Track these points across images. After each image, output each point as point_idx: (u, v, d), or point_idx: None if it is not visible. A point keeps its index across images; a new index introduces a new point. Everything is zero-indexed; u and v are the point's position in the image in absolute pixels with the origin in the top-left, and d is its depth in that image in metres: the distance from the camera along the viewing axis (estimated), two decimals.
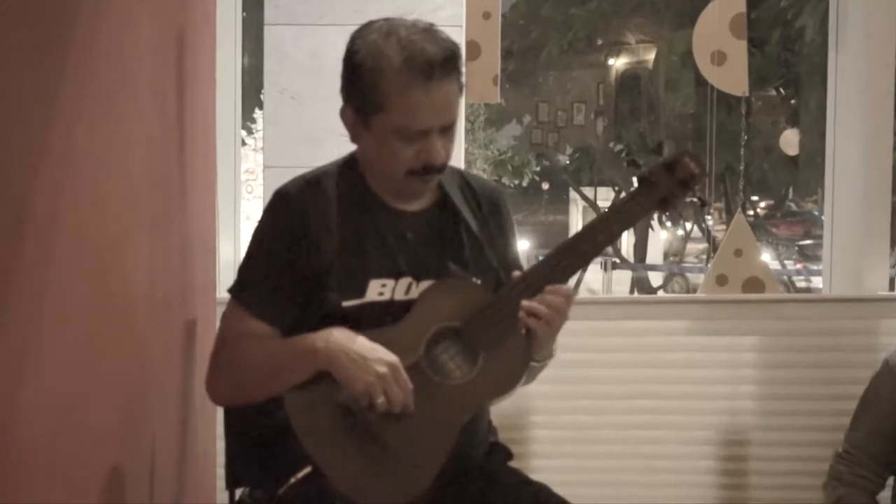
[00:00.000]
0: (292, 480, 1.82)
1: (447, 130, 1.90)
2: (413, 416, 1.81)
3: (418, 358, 1.84)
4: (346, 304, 1.89)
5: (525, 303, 1.85)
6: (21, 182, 1.46)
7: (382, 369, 1.79)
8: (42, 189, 1.53)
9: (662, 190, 1.89)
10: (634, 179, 1.92)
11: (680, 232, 16.83)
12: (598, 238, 1.89)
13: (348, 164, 2.00)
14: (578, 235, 1.91)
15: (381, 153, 1.90)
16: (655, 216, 2.09)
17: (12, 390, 1.44)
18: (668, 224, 16.30)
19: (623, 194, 15.35)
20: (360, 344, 1.82)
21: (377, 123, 1.87)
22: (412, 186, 1.94)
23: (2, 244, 1.40)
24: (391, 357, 1.81)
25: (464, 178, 2.08)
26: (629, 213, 1.91)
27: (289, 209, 1.94)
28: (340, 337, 1.82)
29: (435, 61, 1.82)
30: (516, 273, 1.93)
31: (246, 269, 1.96)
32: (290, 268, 1.90)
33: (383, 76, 1.83)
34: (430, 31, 1.88)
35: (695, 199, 1.95)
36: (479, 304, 1.88)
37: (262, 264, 1.94)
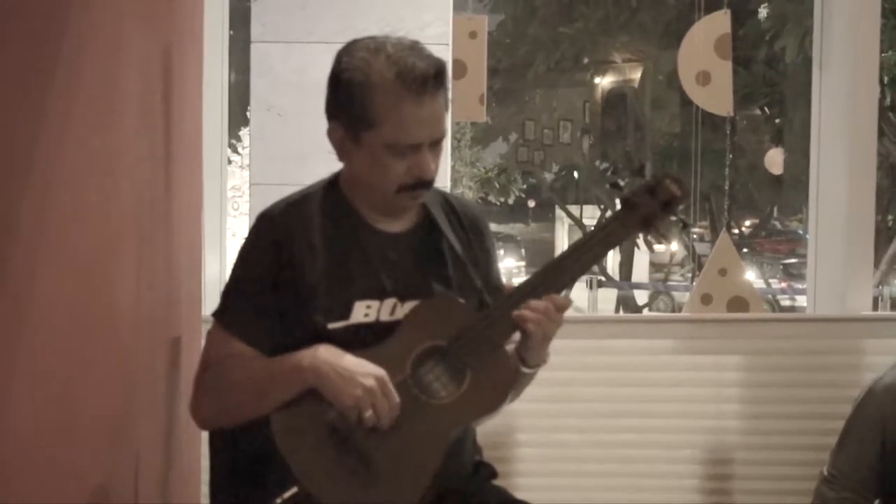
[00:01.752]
0: (278, 501, 1.81)
1: (436, 145, 1.91)
2: (400, 435, 1.81)
3: (404, 377, 1.85)
4: (331, 325, 1.89)
5: (516, 312, 1.86)
6: (6, 198, 1.46)
7: (370, 383, 1.79)
8: (28, 205, 1.53)
9: (645, 211, 1.91)
10: (618, 201, 1.94)
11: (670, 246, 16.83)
12: (582, 258, 1.91)
13: (331, 185, 2.01)
14: (563, 256, 1.93)
15: (373, 170, 1.90)
16: (640, 237, 2.10)
17: None
18: (657, 246, 16.32)
19: (608, 212, 15.43)
20: (347, 359, 1.82)
21: (368, 139, 1.88)
22: (402, 202, 1.94)
23: None
24: (379, 371, 1.81)
25: (446, 199, 2.09)
26: (613, 235, 1.93)
27: (272, 232, 1.94)
28: (327, 353, 1.83)
29: (427, 75, 1.84)
30: (508, 289, 1.94)
31: (230, 291, 1.96)
32: (273, 290, 1.90)
33: (375, 91, 1.85)
34: (416, 47, 1.90)
35: (678, 218, 1.97)
36: (465, 323, 1.89)
37: (246, 287, 1.94)
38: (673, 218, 1.94)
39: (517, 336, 1.92)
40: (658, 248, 15.73)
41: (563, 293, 1.92)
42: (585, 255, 1.91)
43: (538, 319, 1.86)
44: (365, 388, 1.79)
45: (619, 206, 1.94)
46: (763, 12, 11.04)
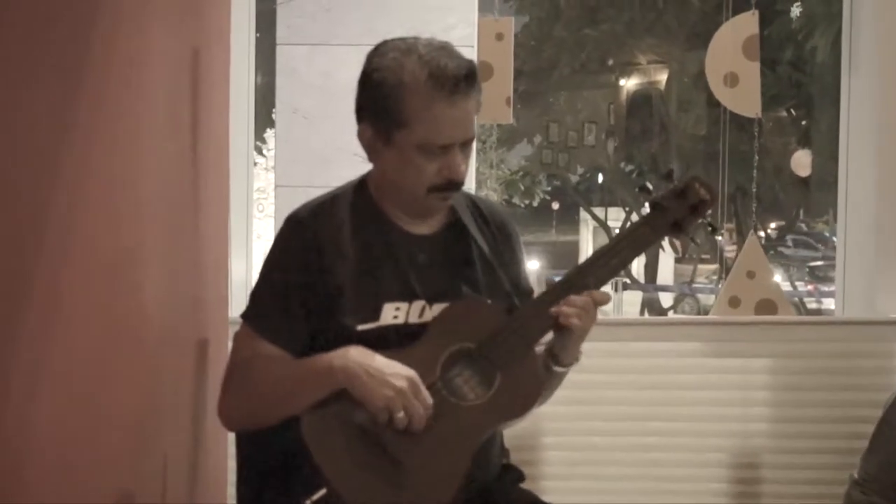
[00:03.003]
0: (307, 502, 1.81)
1: (466, 146, 1.91)
2: (429, 438, 1.81)
3: (434, 380, 1.84)
4: (360, 327, 1.89)
5: (555, 309, 1.86)
6: (36, 200, 1.46)
7: (402, 384, 1.79)
8: (57, 207, 1.54)
9: (674, 215, 1.92)
10: (647, 204, 1.94)
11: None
12: (611, 262, 1.91)
13: (359, 188, 2.01)
14: (592, 259, 1.93)
15: (404, 170, 1.90)
16: (666, 240, 2.11)
17: (24, 411, 1.44)
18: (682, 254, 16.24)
19: (633, 214, 15.36)
20: (379, 360, 1.82)
21: (400, 140, 1.87)
22: (432, 204, 1.94)
23: (16, 264, 1.40)
24: (410, 372, 1.81)
25: (473, 201, 2.09)
26: (642, 238, 1.93)
27: (300, 234, 1.94)
28: (358, 354, 1.82)
29: (459, 76, 1.84)
30: (538, 292, 1.94)
31: (258, 293, 1.96)
32: (302, 292, 1.90)
33: (407, 91, 1.84)
34: (446, 47, 1.90)
35: (706, 222, 1.96)
36: (494, 326, 1.88)
37: (275, 289, 1.94)
38: (701, 221, 1.94)
39: (545, 339, 1.92)
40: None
41: None
42: (614, 259, 1.91)
43: (579, 314, 1.86)
44: (396, 389, 1.78)
45: (647, 210, 1.94)
46: (796, 11, 10.99)
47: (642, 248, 1.94)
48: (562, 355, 1.92)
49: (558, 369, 1.93)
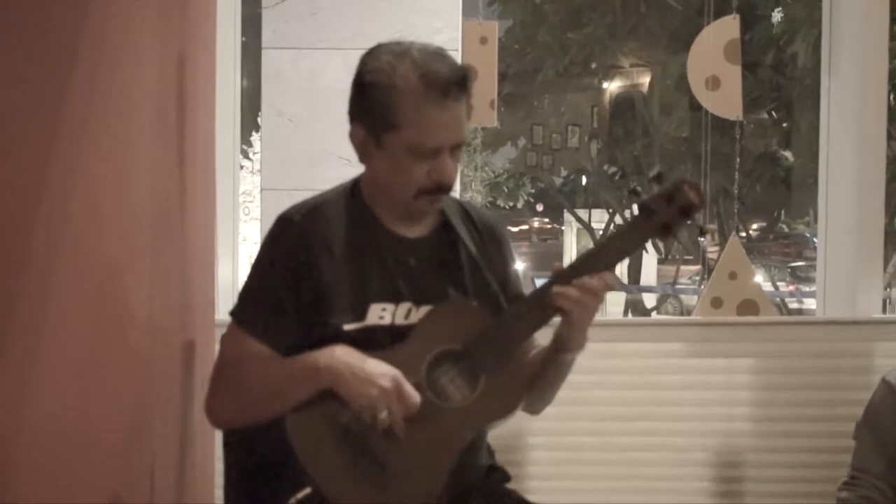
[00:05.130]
0: (292, 501, 1.83)
1: (456, 150, 1.92)
2: (414, 438, 1.82)
3: (419, 380, 1.85)
4: (346, 327, 1.91)
5: (557, 287, 1.86)
6: (24, 203, 1.47)
7: (386, 383, 1.80)
8: (45, 210, 1.54)
9: (663, 218, 1.89)
10: (635, 207, 1.93)
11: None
12: (598, 264, 1.90)
13: (350, 190, 2.02)
14: (578, 262, 1.92)
15: (394, 172, 1.92)
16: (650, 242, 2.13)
17: (13, 413, 1.44)
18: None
19: (617, 216, 15.34)
20: (364, 360, 1.83)
21: (390, 142, 1.89)
22: (421, 207, 1.96)
23: (4, 266, 1.41)
24: (395, 372, 1.82)
25: (462, 206, 2.11)
26: (630, 241, 1.92)
27: (291, 234, 1.95)
28: (343, 354, 1.84)
29: (451, 80, 1.86)
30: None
31: (247, 292, 1.97)
32: (291, 292, 1.91)
33: (399, 94, 1.86)
34: (440, 52, 1.92)
35: (696, 224, 1.97)
36: (480, 328, 1.90)
37: (264, 288, 1.95)
38: (690, 223, 1.94)
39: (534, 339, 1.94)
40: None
41: None
42: (601, 262, 1.90)
43: (582, 297, 1.87)
44: (381, 388, 1.80)
45: (636, 212, 1.94)
46: (777, 16, 11.02)
47: (630, 250, 1.92)
48: (568, 342, 1.93)
49: (566, 356, 1.95)
